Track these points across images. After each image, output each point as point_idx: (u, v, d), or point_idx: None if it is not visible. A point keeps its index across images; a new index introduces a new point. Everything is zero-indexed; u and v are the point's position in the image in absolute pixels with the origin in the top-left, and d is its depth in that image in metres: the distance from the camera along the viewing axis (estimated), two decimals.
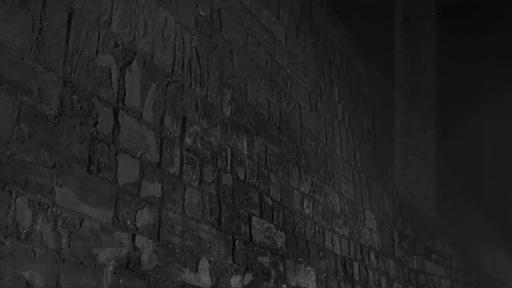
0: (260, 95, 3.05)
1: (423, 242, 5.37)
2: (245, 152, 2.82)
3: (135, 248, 2.06)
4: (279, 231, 3.02)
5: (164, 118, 2.32)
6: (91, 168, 1.92)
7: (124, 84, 2.12)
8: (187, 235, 2.33)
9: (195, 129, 2.49)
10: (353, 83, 4.33)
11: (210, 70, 2.65)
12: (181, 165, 2.37)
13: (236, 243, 2.65)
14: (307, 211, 3.36)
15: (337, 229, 3.70)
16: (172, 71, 2.40)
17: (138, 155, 2.15)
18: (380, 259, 4.30)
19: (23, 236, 1.66)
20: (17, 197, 1.65)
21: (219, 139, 2.64)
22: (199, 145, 2.50)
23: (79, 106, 1.91)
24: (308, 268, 3.26)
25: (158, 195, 2.21)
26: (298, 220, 3.24)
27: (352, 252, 3.87)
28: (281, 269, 2.98)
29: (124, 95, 2.12)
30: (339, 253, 3.67)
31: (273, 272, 2.90)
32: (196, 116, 2.51)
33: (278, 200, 3.07)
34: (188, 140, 2.43)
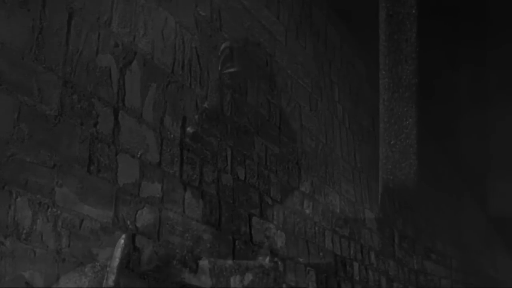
0: (260, 95, 3.05)
1: (423, 242, 5.37)
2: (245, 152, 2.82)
3: (135, 248, 2.06)
4: (279, 231, 3.02)
5: (164, 118, 2.31)
6: (91, 168, 1.92)
7: (124, 84, 2.12)
8: (187, 235, 2.33)
9: (195, 129, 2.49)
10: (353, 83, 4.33)
11: (210, 70, 2.64)
12: (181, 165, 2.37)
13: (236, 243, 2.65)
14: (307, 211, 3.36)
15: (337, 229, 3.70)
16: (172, 71, 2.40)
17: (138, 155, 2.15)
18: (380, 259, 4.30)
19: (23, 236, 1.66)
20: (17, 197, 1.65)
21: (219, 139, 2.64)
22: (199, 145, 2.50)
23: (79, 106, 1.91)
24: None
25: (158, 195, 2.21)
26: (298, 220, 3.24)
27: (352, 252, 3.87)
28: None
29: (124, 95, 2.12)
30: (339, 253, 3.67)
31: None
32: (196, 116, 2.51)
33: (278, 200, 3.07)
34: (188, 140, 2.43)
